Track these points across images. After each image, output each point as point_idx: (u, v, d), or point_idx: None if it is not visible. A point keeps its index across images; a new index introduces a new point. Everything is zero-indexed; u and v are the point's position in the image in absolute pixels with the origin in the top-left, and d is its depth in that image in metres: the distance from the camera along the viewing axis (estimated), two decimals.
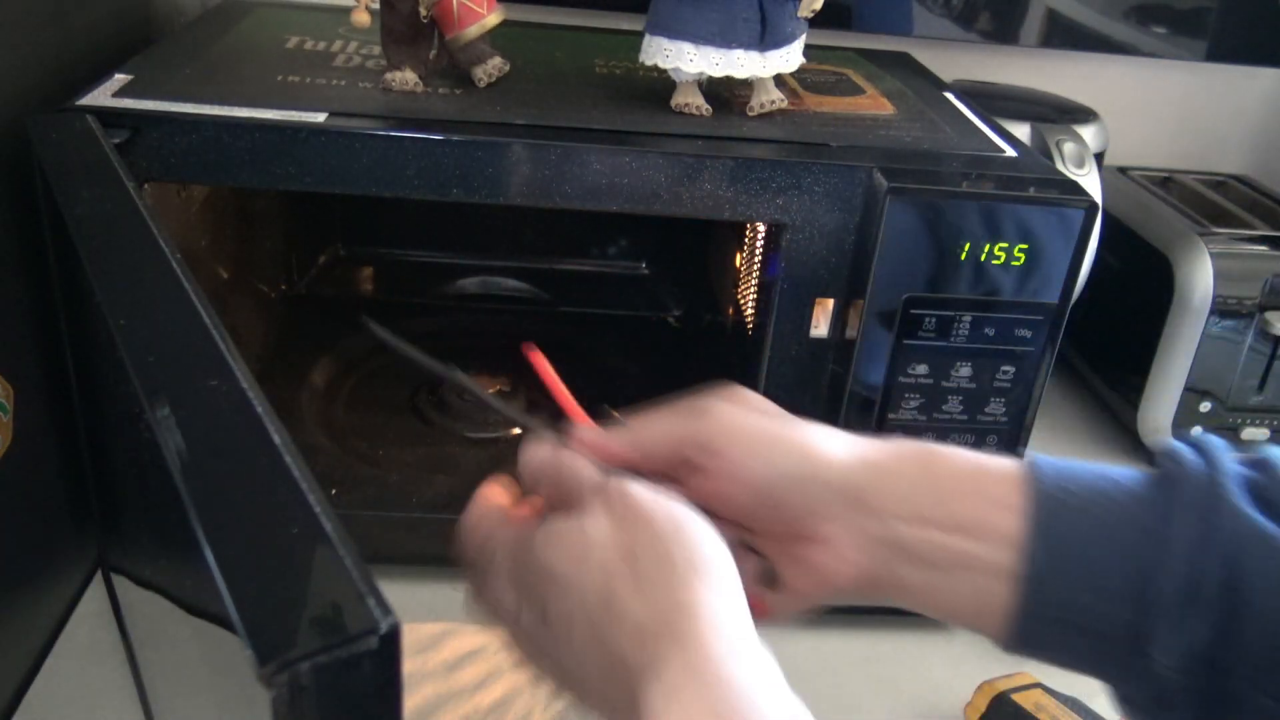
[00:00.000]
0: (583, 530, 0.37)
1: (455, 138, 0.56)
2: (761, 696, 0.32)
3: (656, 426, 0.43)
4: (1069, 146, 0.81)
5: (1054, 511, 0.39)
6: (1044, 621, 0.39)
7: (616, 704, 0.36)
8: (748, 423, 0.42)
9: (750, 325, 0.73)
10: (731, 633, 0.34)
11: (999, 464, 0.41)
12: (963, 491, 0.40)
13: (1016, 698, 0.57)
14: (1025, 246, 0.57)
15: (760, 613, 0.42)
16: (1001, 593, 0.39)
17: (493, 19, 0.63)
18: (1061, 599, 0.38)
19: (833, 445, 0.42)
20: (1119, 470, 0.40)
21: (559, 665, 0.38)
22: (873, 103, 0.71)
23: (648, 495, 0.38)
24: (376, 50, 0.68)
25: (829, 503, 0.41)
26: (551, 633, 0.38)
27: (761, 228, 0.73)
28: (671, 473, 0.43)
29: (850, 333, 0.60)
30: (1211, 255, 0.79)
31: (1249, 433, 0.84)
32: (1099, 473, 0.40)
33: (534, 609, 0.38)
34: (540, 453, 0.42)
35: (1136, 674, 0.38)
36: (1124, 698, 0.40)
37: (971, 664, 0.66)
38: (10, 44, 0.57)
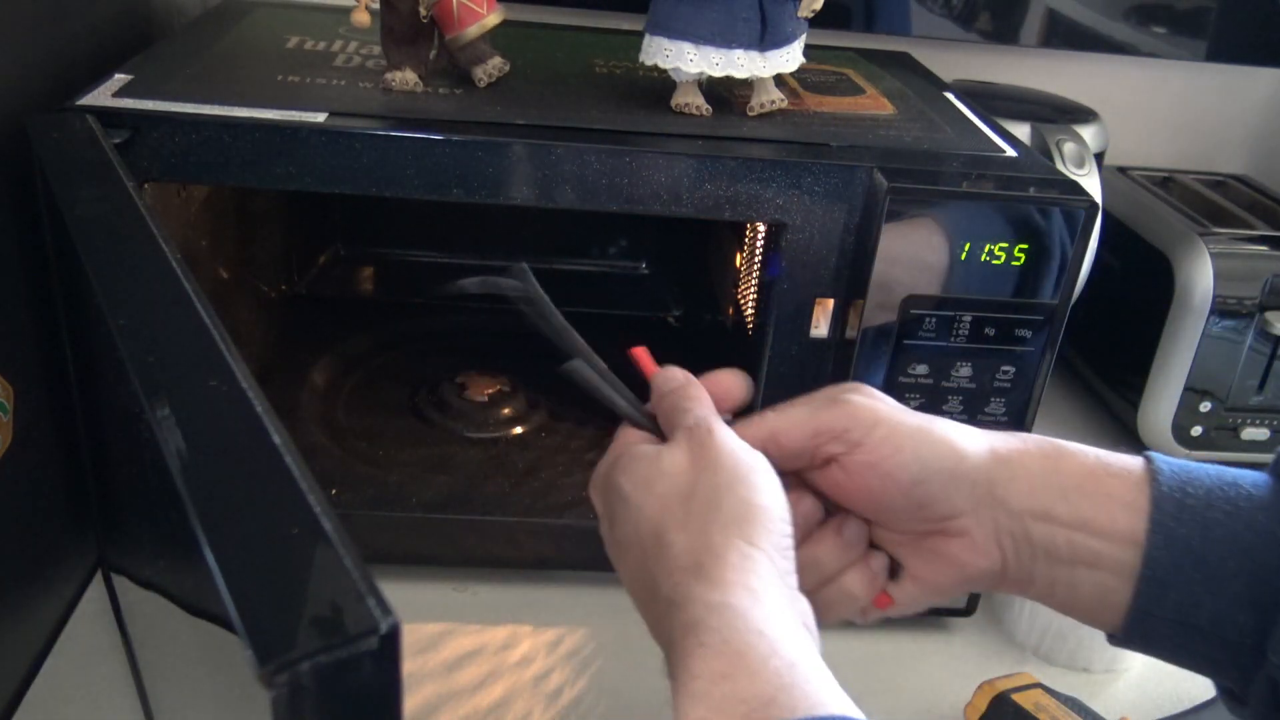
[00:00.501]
0: (659, 460, 0.39)
1: (455, 138, 0.56)
2: (774, 633, 0.33)
3: (791, 417, 0.43)
4: (1069, 146, 0.81)
5: (1174, 514, 0.39)
6: (1161, 621, 0.39)
7: (654, 624, 0.38)
8: (889, 416, 0.42)
9: (750, 325, 0.73)
10: (757, 578, 0.35)
11: (1122, 462, 0.41)
12: (1087, 489, 0.41)
13: (1016, 698, 0.57)
14: (1025, 246, 0.57)
15: (884, 605, 0.43)
16: (1121, 590, 0.40)
17: (493, 19, 0.63)
18: (1180, 600, 0.39)
19: (967, 439, 0.42)
20: (1237, 472, 0.41)
21: (622, 574, 0.41)
22: (873, 103, 0.71)
23: (729, 441, 0.39)
24: (376, 50, 0.68)
25: (967, 496, 0.41)
26: (616, 545, 0.40)
27: (761, 228, 0.73)
28: (805, 465, 0.43)
29: (850, 333, 0.60)
30: (1211, 255, 0.79)
31: (1249, 433, 0.84)
32: (1218, 475, 0.40)
33: (606, 519, 0.41)
34: (668, 384, 0.44)
35: (1250, 675, 0.39)
36: (1232, 695, 0.41)
37: (971, 664, 0.66)
38: (10, 44, 0.57)
